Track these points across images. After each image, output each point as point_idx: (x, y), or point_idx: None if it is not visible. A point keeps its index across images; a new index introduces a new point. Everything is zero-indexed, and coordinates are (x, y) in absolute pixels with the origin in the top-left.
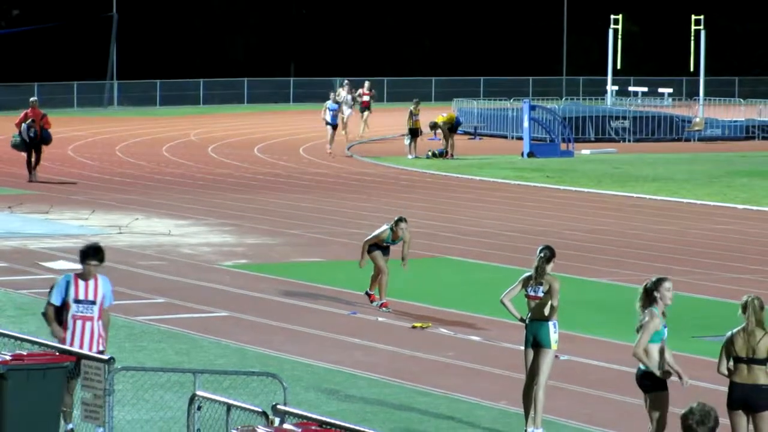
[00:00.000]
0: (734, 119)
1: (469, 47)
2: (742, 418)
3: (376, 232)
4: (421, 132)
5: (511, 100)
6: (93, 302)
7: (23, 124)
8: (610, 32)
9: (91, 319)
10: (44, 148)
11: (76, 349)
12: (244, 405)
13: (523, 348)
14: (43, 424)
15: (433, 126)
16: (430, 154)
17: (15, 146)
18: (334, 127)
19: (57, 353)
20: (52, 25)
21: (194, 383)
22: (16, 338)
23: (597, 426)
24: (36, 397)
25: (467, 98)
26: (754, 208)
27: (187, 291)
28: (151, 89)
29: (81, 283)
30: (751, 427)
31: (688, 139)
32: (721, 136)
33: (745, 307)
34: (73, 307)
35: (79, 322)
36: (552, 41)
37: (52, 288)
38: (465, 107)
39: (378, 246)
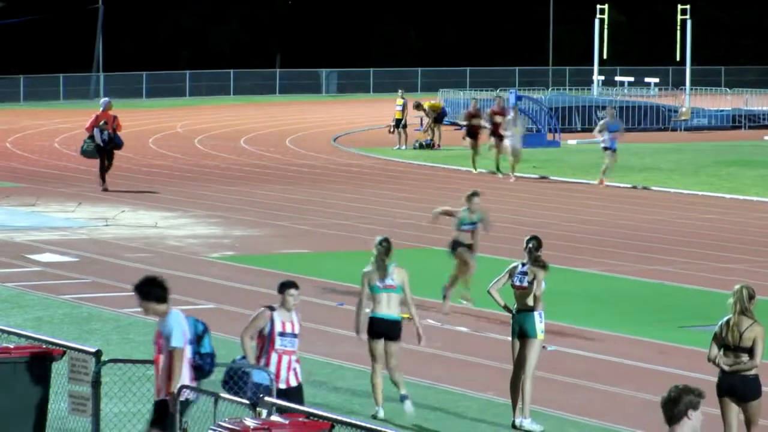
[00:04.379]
0: (720, 109)
1: (456, 38)
2: (729, 406)
3: (455, 218)
4: (407, 124)
5: (498, 91)
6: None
7: (95, 129)
8: (597, 22)
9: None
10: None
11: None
12: (230, 397)
13: (510, 338)
14: (30, 416)
15: (417, 106)
16: (417, 144)
17: (86, 153)
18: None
19: (44, 346)
20: (38, 17)
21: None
22: (3, 331)
23: (587, 416)
24: (23, 389)
25: (454, 89)
26: (741, 197)
27: (174, 283)
28: (137, 81)
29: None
30: (742, 416)
31: (674, 129)
32: (707, 126)
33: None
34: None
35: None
36: (538, 31)
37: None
38: (451, 98)
39: (458, 242)
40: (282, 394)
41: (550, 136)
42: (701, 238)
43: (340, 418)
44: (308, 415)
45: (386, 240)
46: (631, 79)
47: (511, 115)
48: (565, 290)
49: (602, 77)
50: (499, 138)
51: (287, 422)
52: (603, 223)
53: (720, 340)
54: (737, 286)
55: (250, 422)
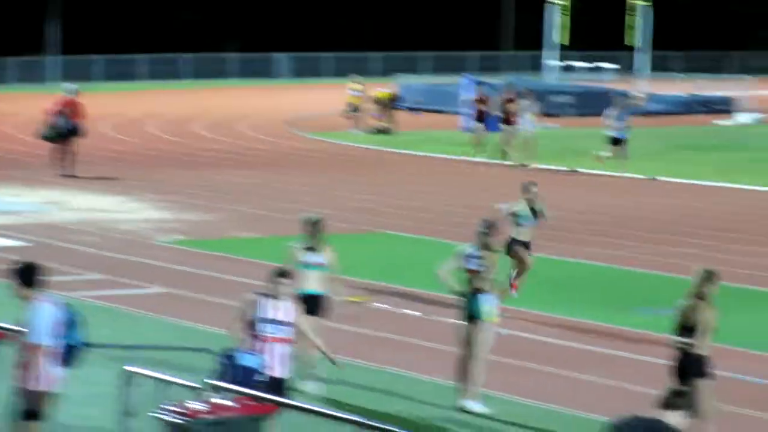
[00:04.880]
0: (676, 94)
1: (412, 22)
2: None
3: (511, 214)
4: (361, 109)
5: (454, 76)
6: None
7: (59, 115)
8: (554, 7)
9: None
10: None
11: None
12: (178, 380)
13: (461, 322)
14: None
15: (375, 101)
16: (372, 129)
17: (47, 138)
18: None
19: None
20: None
21: (129, 359)
22: None
23: (546, 401)
24: None
25: (409, 73)
26: (697, 182)
27: (125, 267)
28: (90, 65)
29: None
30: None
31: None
32: (663, 111)
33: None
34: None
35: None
36: (496, 16)
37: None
38: (407, 83)
39: (515, 240)
40: (271, 382)
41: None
42: (658, 223)
43: (287, 401)
44: (256, 398)
45: (316, 219)
46: (588, 64)
47: (524, 102)
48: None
49: (559, 63)
50: (512, 126)
51: (233, 405)
52: (557, 208)
53: (678, 322)
54: (697, 269)
55: (195, 405)
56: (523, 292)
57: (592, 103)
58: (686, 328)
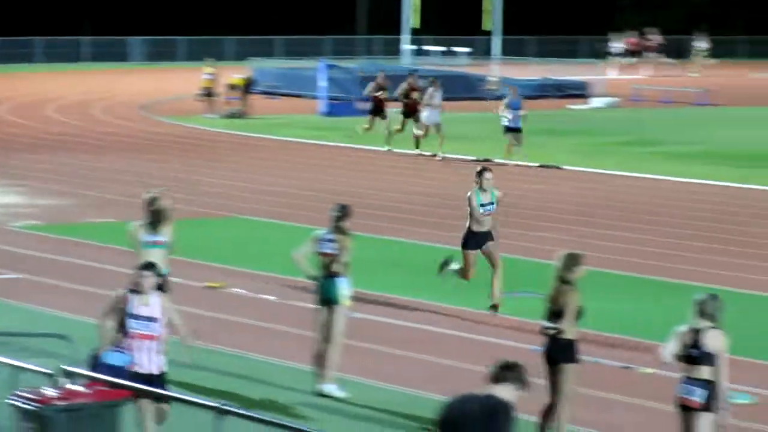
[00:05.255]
0: (529, 78)
1: (267, 5)
2: (552, 372)
3: (470, 205)
4: (216, 93)
5: (309, 60)
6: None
7: None
8: None
9: None
10: None
11: None
12: (30, 367)
13: (315, 306)
14: None
15: (231, 87)
16: (227, 113)
17: None
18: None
19: None
20: None
21: None
22: None
23: (401, 385)
24: None
25: (264, 57)
26: (552, 166)
27: None
28: None
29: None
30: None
31: (483, 98)
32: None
33: None
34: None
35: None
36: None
37: None
38: (262, 67)
39: (471, 232)
40: (142, 379)
41: (360, 106)
42: (512, 207)
43: (140, 386)
44: (110, 384)
45: (154, 197)
46: (442, 48)
47: (430, 90)
48: (373, 258)
49: (413, 46)
50: (416, 115)
51: (87, 391)
52: (411, 192)
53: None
54: (564, 252)
55: (49, 391)
56: (376, 275)
57: (447, 88)
58: (554, 313)
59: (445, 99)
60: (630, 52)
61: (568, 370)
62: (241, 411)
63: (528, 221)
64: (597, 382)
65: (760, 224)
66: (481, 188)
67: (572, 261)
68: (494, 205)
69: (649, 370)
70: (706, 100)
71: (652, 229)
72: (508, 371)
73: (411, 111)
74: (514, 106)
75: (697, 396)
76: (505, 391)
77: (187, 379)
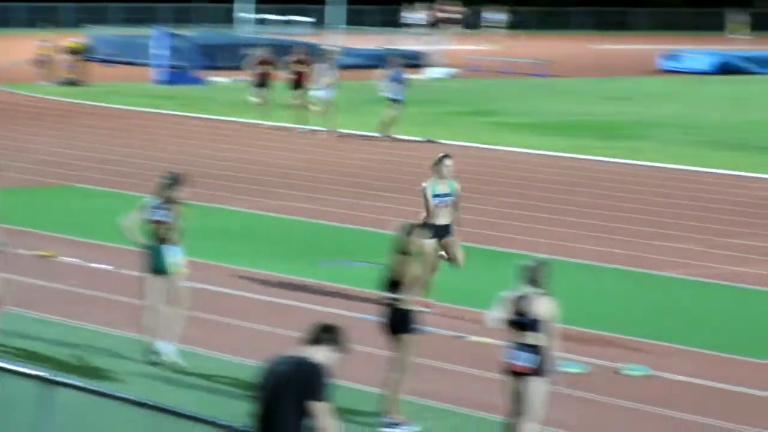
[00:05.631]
0: (369, 47)
1: None
2: (391, 342)
3: (425, 196)
4: (51, 60)
5: (146, 27)
6: None
7: None
8: None
9: None
10: None
11: None
12: None
13: (145, 274)
14: None
15: (66, 52)
16: (62, 81)
17: None
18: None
19: None
20: None
21: None
22: None
23: (226, 352)
24: None
25: (100, 24)
26: (400, 137)
27: None
28: None
29: None
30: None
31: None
32: (356, 65)
33: None
34: None
35: None
36: None
37: None
38: (98, 34)
39: (429, 225)
40: None
41: (197, 74)
42: (346, 176)
43: None
44: None
45: None
46: (283, 17)
47: (323, 64)
48: (207, 227)
49: (254, 15)
50: (302, 89)
51: None
52: (249, 160)
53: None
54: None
55: None
56: (215, 243)
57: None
58: (394, 284)
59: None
60: (430, 24)
61: (407, 340)
62: (69, 381)
63: (361, 190)
64: (429, 351)
65: (584, 194)
66: (440, 177)
67: (410, 231)
68: (451, 196)
69: (478, 339)
70: (545, 72)
71: (483, 198)
72: (324, 333)
73: (298, 84)
74: (396, 78)
75: (524, 361)
76: (320, 353)
77: (13, 348)
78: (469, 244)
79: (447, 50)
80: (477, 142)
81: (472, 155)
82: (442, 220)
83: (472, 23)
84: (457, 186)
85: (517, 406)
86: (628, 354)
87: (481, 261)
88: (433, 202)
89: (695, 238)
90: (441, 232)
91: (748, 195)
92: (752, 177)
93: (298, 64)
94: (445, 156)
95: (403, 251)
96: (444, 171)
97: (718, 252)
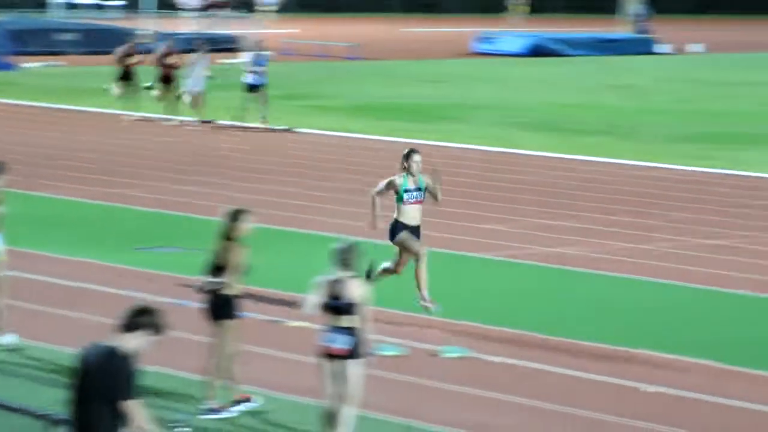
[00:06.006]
0: (183, 32)
1: None
2: (213, 327)
3: (384, 183)
4: None
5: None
6: None
7: None
8: None
9: None
10: None
11: None
12: None
13: None
14: None
15: None
16: None
17: None
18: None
19: None
20: None
21: None
22: None
23: (37, 340)
24: None
25: None
26: (208, 121)
27: None
28: None
29: None
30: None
31: (140, 52)
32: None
33: None
34: None
35: None
36: None
37: None
38: None
39: (400, 224)
40: None
41: (7, 59)
42: (162, 161)
43: None
44: None
45: None
46: (94, 1)
47: (194, 56)
48: (26, 214)
49: (65, 0)
50: (169, 82)
51: None
52: (64, 147)
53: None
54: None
55: None
56: (24, 232)
57: (98, 41)
58: (219, 269)
59: (93, 53)
60: (204, 8)
61: (229, 326)
62: None
63: (176, 176)
64: (249, 337)
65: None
66: (409, 173)
67: (237, 216)
68: (421, 192)
69: (298, 323)
70: (358, 55)
71: (293, 181)
72: (140, 317)
73: (167, 76)
74: (259, 63)
75: (341, 343)
76: (135, 339)
77: None
78: (280, 228)
79: (260, 34)
80: (290, 126)
81: (283, 138)
82: (413, 218)
83: (245, 6)
84: (427, 181)
85: (336, 389)
86: (446, 337)
87: (293, 245)
88: (404, 197)
89: (512, 220)
90: (415, 232)
91: (562, 177)
92: (566, 158)
93: (167, 56)
94: (413, 151)
95: (228, 236)
96: (413, 167)
97: (533, 233)
